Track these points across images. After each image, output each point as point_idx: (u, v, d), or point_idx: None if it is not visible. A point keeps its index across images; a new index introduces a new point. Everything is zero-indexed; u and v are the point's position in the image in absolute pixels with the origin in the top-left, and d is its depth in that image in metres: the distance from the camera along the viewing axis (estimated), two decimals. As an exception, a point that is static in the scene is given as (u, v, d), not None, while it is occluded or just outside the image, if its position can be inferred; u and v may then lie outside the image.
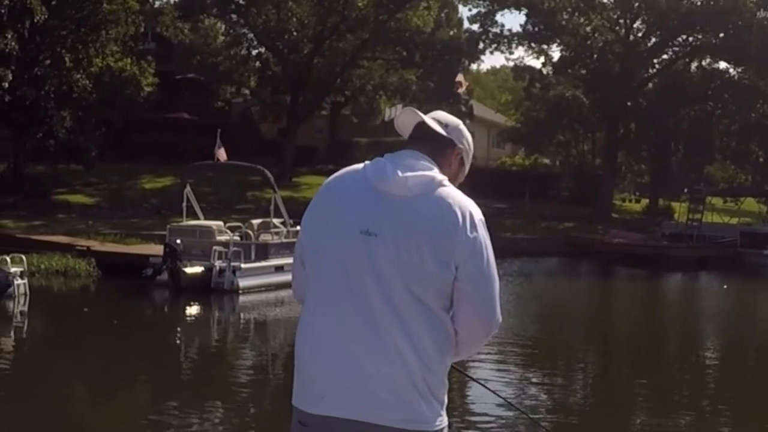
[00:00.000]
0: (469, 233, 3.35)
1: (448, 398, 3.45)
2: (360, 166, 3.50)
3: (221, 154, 29.76)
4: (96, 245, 31.79)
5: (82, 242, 32.14)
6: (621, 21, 58.54)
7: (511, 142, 69.33)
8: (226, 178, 48.58)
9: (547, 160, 71.42)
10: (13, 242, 31.24)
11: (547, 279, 36.80)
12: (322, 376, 3.35)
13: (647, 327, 25.18)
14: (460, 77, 63.18)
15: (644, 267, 39.52)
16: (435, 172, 3.43)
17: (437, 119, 3.59)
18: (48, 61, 42.08)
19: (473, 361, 17.76)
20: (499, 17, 74.60)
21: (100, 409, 14.07)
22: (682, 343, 23.52)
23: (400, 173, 3.36)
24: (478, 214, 3.42)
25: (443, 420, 3.40)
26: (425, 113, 3.61)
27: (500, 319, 3.51)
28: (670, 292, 36.00)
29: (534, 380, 16.51)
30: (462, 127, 3.65)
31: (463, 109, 60.09)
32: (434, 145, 3.54)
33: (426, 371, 3.31)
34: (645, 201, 64.30)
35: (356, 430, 3.29)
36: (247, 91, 63.37)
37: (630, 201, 68.73)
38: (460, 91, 61.19)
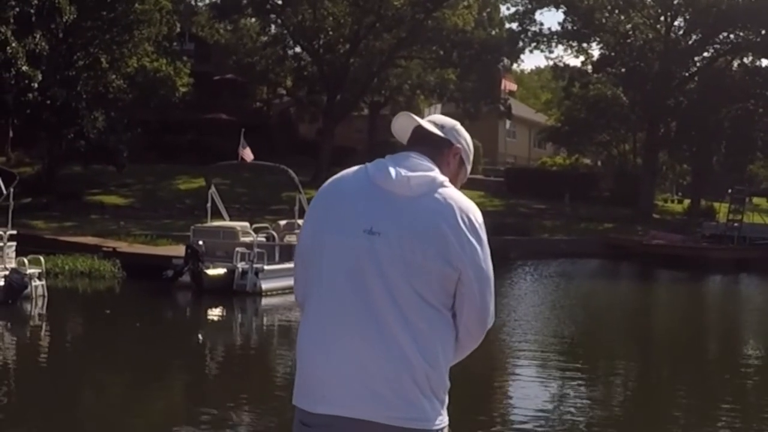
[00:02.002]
0: (470, 236, 3.36)
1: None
2: (360, 166, 3.52)
3: (246, 154, 29.49)
4: (124, 246, 31.64)
5: (110, 243, 31.99)
6: (661, 19, 57.71)
7: (551, 142, 68.70)
8: (262, 179, 48.36)
9: (588, 160, 70.69)
10: (41, 243, 31.14)
11: (583, 281, 36.05)
12: (325, 376, 3.34)
13: (683, 331, 24.61)
14: (505, 80, 62.48)
15: (683, 269, 38.94)
16: (436, 173, 3.44)
17: (433, 121, 3.62)
18: (81, 62, 42.05)
19: (512, 360, 18.07)
20: (537, 16, 73.54)
21: (120, 412, 13.67)
22: (721, 348, 22.91)
23: (403, 173, 3.38)
24: (479, 217, 3.43)
25: (444, 419, 3.39)
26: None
27: (494, 318, 3.55)
28: (707, 294, 35.20)
29: (572, 383, 16.16)
30: (459, 127, 3.67)
31: (502, 108, 59.50)
32: (432, 146, 3.56)
33: (429, 369, 3.31)
34: (687, 201, 63.44)
35: (359, 430, 3.29)
36: (284, 91, 63.20)
37: (672, 201, 67.90)
38: (503, 89, 60.38)
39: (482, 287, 3.41)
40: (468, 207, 3.41)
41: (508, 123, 73.88)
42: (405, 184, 3.36)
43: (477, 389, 14.99)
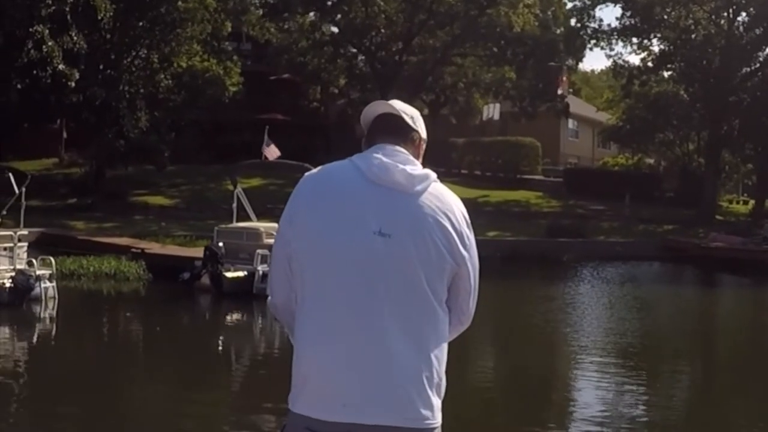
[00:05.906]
0: (468, 231, 3.41)
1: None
2: (345, 162, 3.40)
3: (269, 152, 28.80)
4: (154, 248, 31.14)
5: (140, 244, 31.52)
6: (723, 14, 55.89)
7: (612, 141, 67.30)
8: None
9: (651, 160, 69.10)
10: (72, 243, 30.99)
11: (638, 284, 34.68)
12: (346, 383, 3.23)
13: (740, 338, 23.67)
14: (558, 79, 61.28)
15: (742, 273, 37.51)
16: (425, 169, 3.41)
17: (404, 111, 3.51)
18: (129, 61, 41.78)
19: (575, 361, 18.00)
20: (597, 12, 71.89)
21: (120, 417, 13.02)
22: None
23: (408, 169, 3.32)
24: (465, 211, 3.46)
25: (440, 414, 3.37)
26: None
27: None
28: (764, 300, 33.65)
29: (633, 386, 16.04)
30: (420, 116, 3.61)
31: (559, 106, 58.27)
32: (404, 138, 3.49)
33: (439, 368, 3.33)
34: (753, 202, 61.64)
35: None
36: (336, 90, 62.72)
37: (737, 202, 66.09)
38: (559, 91, 59.04)
39: (476, 281, 3.47)
40: (459, 202, 3.44)
41: (570, 122, 72.52)
42: (409, 181, 3.30)
43: (540, 389, 15.66)
